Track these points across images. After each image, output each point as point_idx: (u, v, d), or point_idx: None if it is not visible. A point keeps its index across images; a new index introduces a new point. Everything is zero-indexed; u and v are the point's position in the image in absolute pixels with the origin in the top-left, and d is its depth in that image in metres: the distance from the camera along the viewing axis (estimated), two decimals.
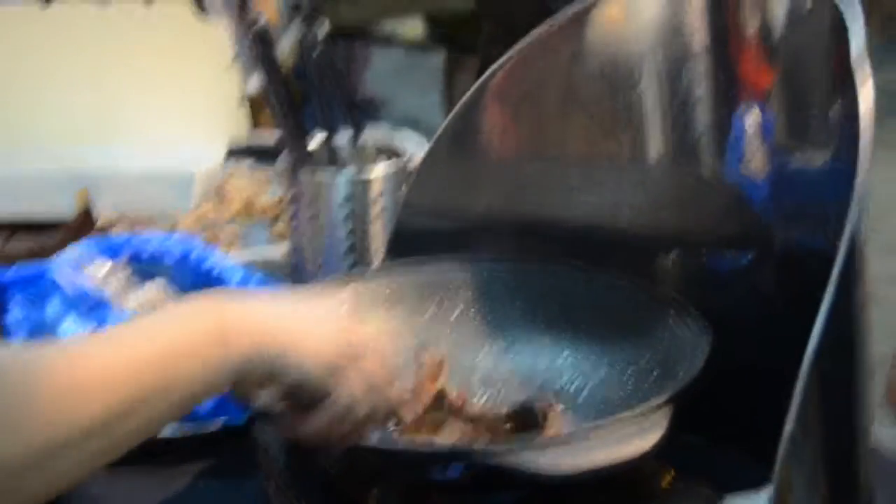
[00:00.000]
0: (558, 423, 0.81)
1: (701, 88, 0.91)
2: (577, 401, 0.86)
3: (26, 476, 0.56)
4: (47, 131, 0.82)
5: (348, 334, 0.69)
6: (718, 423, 0.82)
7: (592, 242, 0.96)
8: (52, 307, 1.00)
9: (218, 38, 0.80)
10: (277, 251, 1.20)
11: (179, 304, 0.66)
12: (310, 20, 1.05)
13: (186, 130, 0.82)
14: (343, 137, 1.11)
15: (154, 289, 1.06)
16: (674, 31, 0.91)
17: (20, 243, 0.79)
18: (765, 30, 0.83)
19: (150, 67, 0.81)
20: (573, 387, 0.88)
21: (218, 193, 1.27)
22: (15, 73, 0.81)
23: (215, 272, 1.06)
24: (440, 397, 0.83)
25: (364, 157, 1.12)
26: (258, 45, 1.01)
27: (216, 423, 0.92)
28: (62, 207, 0.77)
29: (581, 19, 0.93)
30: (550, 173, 0.99)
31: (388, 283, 0.94)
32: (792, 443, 0.62)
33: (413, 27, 3.61)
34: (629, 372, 0.86)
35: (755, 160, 0.87)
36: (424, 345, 0.90)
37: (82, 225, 0.80)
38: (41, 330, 0.99)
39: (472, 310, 0.95)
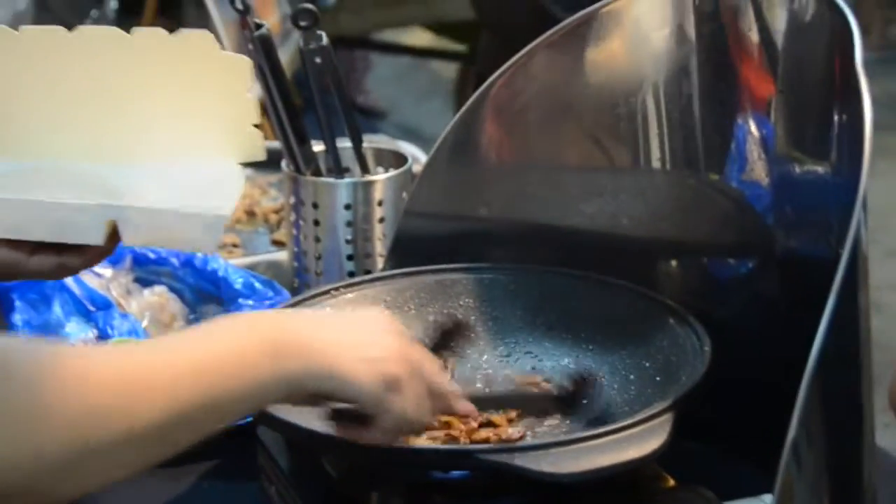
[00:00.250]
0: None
1: (702, 98, 0.91)
2: (578, 406, 0.86)
3: (71, 475, 0.56)
4: (70, 151, 0.83)
5: (399, 353, 0.68)
6: (720, 430, 0.82)
7: (593, 250, 0.97)
8: (56, 310, 1.00)
9: (240, 67, 0.81)
10: (279, 257, 1.21)
11: (233, 318, 0.66)
12: (311, 29, 1.06)
13: (204, 154, 0.82)
14: (344, 145, 1.11)
15: (157, 293, 1.07)
16: (675, 41, 0.91)
17: (45, 259, 0.79)
18: (766, 39, 0.84)
19: (171, 91, 0.82)
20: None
21: None
22: (40, 91, 0.81)
23: (218, 277, 1.06)
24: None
25: (365, 165, 1.12)
26: (260, 53, 1.02)
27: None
28: (89, 232, 0.78)
29: (582, 29, 0.93)
30: (551, 181, 1.00)
31: (389, 290, 0.95)
32: (794, 450, 0.62)
33: (413, 37, 3.63)
34: (631, 378, 0.86)
35: (756, 168, 0.87)
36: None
37: (108, 248, 0.80)
38: (45, 332, 0.99)
39: (473, 316, 0.95)
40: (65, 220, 0.78)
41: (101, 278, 1.06)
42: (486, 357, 0.93)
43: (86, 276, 1.03)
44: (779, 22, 0.83)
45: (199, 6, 1.79)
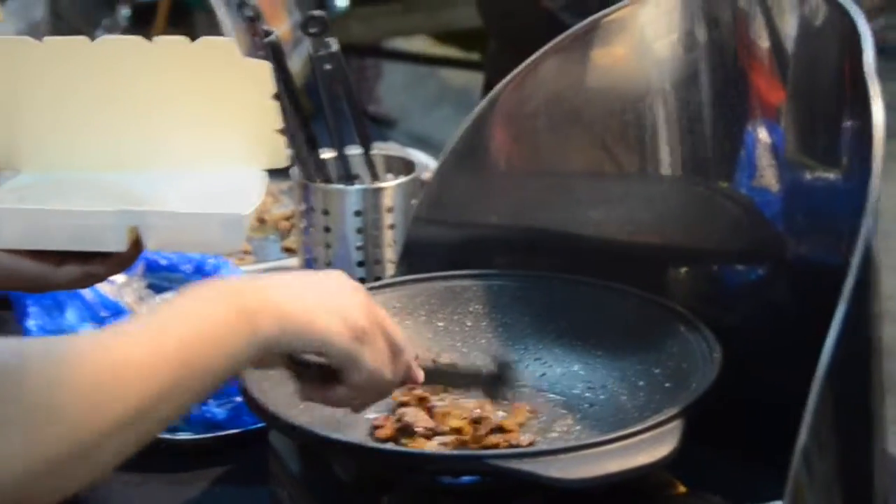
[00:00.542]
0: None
1: (711, 104, 0.91)
2: (589, 411, 0.86)
3: (70, 467, 0.56)
4: (93, 160, 0.83)
5: (364, 307, 0.69)
6: (731, 437, 0.82)
7: (602, 256, 0.97)
8: (70, 316, 1.00)
9: (261, 72, 0.82)
10: (289, 264, 1.21)
11: (203, 287, 0.66)
12: (321, 36, 1.06)
13: (227, 160, 0.83)
14: (354, 152, 1.12)
15: (168, 299, 1.07)
16: (684, 47, 0.91)
17: (72, 269, 0.79)
18: (776, 44, 0.84)
19: (193, 99, 0.82)
20: (585, 398, 0.88)
21: None
22: (63, 101, 0.82)
23: None
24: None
25: (375, 172, 1.12)
26: (269, 60, 1.02)
27: (231, 430, 0.92)
28: (111, 239, 0.78)
29: (590, 35, 0.93)
30: (560, 188, 1.00)
31: (399, 296, 0.95)
32: (805, 457, 0.62)
33: (423, 45, 3.63)
34: (641, 384, 0.86)
35: (766, 174, 0.87)
36: (438, 356, 0.91)
37: (132, 254, 0.81)
38: None
39: (483, 323, 0.95)
40: (86, 227, 0.78)
41: (113, 284, 1.07)
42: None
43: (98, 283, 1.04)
44: (789, 27, 0.83)
45: (209, 14, 1.80)
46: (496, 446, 0.81)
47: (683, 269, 0.97)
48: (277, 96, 0.83)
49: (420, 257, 1.01)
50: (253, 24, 1.04)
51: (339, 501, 0.79)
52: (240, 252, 1.25)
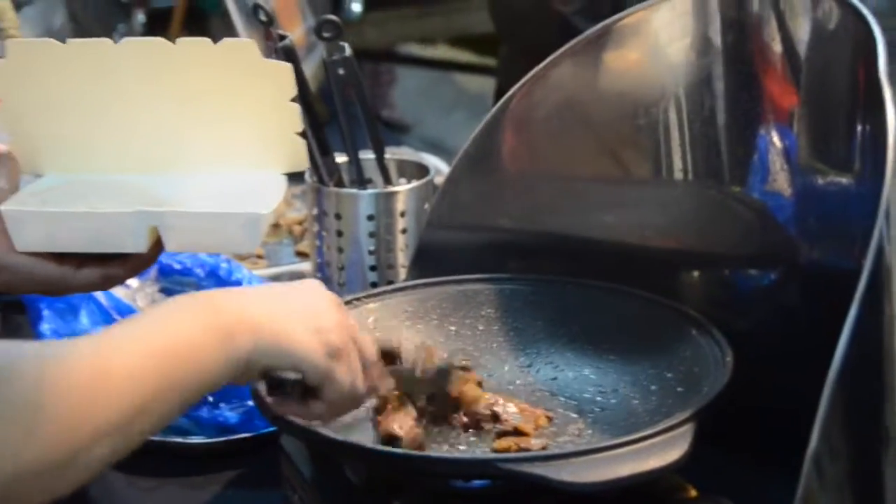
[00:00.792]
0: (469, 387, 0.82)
1: (724, 108, 0.91)
2: (600, 415, 0.86)
3: (55, 470, 0.57)
4: (114, 162, 0.83)
5: (338, 323, 0.69)
6: (743, 441, 0.82)
7: (615, 260, 0.97)
8: (83, 319, 1.01)
9: (282, 74, 0.82)
10: (302, 268, 1.21)
11: (183, 300, 0.67)
12: (334, 40, 1.06)
13: (248, 162, 0.83)
14: (367, 156, 1.12)
15: None
16: (696, 51, 0.91)
17: (92, 271, 0.80)
18: (788, 48, 0.84)
19: (215, 101, 0.82)
20: (596, 402, 0.88)
21: None
22: (85, 103, 0.82)
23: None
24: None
25: (388, 176, 1.13)
26: None
27: (244, 434, 0.93)
28: (131, 241, 0.78)
29: (603, 40, 0.94)
30: (572, 192, 1.00)
31: (411, 300, 0.95)
32: (816, 461, 0.62)
33: (438, 50, 3.64)
34: (652, 388, 0.86)
35: (779, 179, 0.87)
36: (450, 359, 0.91)
37: (151, 256, 0.81)
38: None
39: (495, 327, 0.95)
40: (106, 229, 0.78)
41: (127, 288, 1.07)
42: (507, 367, 0.93)
43: None
44: (802, 31, 0.82)
45: (225, 19, 1.81)
46: (508, 450, 0.81)
47: (696, 274, 0.96)
48: (297, 99, 0.83)
49: (432, 261, 1.01)
50: (267, 28, 1.05)
51: None
52: (253, 256, 1.25)
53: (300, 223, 1.33)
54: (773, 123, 0.87)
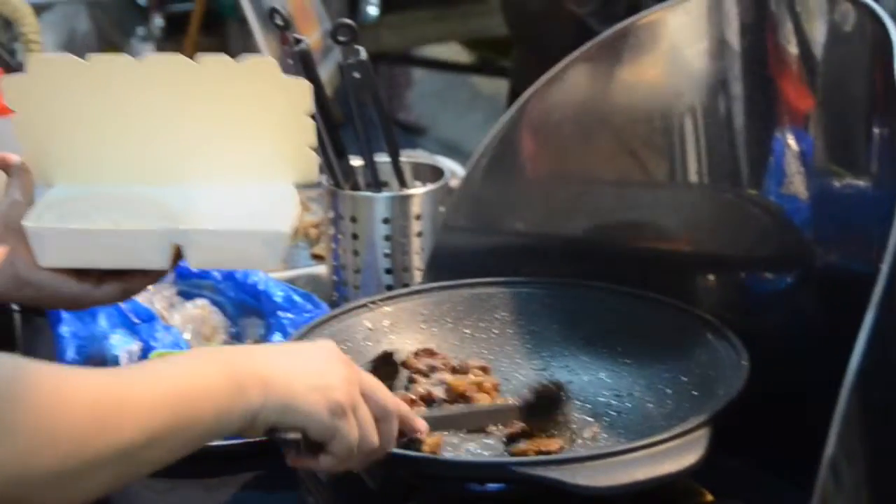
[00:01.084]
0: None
1: (740, 111, 0.91)
2: (615, 419, 0.86)
3: (62, 486, 0.57)
4: (133, 176, 0.84)
5: (345, 381, 0.70)
6: (757, 446, 0.81)
7: (630, 264, 0.96)
8: (102, 322, 1.02)
9: (300, 90, 0.82)
10: (318, 271, 1.22)
11: (201, 352, 0.70)
12: (350, 44, 1.07)
13: (262, 176, 0.84)
14: (383, 159, 1.12)
15: (199, 306, 1.08)
16: (712, 54, 0.91)
17: (112, 287, 0.81)
18: (805, 51, 0.83)
19: (233, 116, 0.83)
20: (612, 405, 0.88)
21: None
22: (101, 115, 0.83)
23: (259, 290, 1.08)
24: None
25: (403, 179, 1.13)
26: (299, 67, 1.03)
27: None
28: (154, 258, 0.79)
29: (618, 42, 0.93)
30: (587, 195, 1.00)
31: (426, 304, 0.95)
32: (832, 467, 0.62)
33: (454, 52, 3.64)
34: (668, 392, 0.86)
35: (795, 182, 0.87)
36: (464, 363, 0.91)
37: (171, 268, 0.82)
38: (90, 344, 1.01)
39: (510, 330, 0.95)
40: (130, 247, 0.79)
41: (146, 291, 1.08)
42: (522, 371, 0.93)
43: None
44: (818, 33, 0.82)
45: (242, 23, 1.82)
46: (524, 453, 0.81)
47: (711, 277, 0.96)
48: (314, 115, 0.84)
49: (447, 264, 1.01)
50: (284, 32, 1.05)
51: None
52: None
53: (316, 226, 1.33)
54: (790, 126, 0.86)
